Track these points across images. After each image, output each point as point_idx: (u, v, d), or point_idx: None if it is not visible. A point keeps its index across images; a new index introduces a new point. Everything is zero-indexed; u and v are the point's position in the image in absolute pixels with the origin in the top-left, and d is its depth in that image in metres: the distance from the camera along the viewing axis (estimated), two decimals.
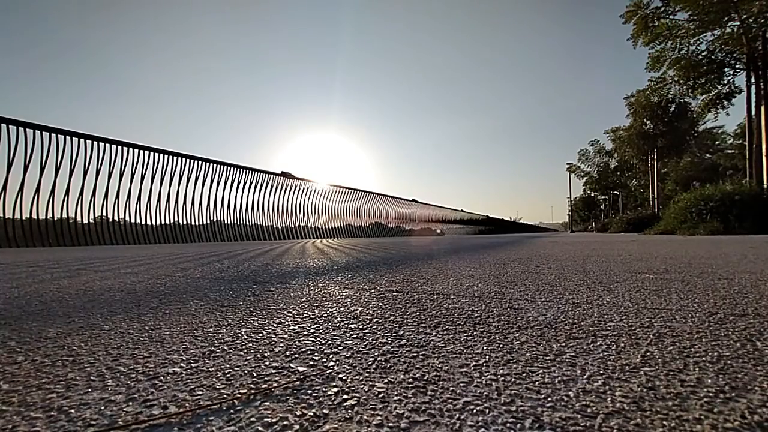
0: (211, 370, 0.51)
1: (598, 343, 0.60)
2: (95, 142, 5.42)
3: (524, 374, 0.48)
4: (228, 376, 0.48)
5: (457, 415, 0.37)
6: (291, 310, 0.89)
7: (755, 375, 0.47)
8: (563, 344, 0.60)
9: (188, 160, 6.72)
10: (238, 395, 0.42)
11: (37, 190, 4.90)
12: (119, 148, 5.70)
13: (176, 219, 6.64)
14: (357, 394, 0.43)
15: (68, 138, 5.12)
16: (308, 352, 0.58)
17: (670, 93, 17.84)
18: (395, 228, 13.96)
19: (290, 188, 9.28)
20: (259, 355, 0.56)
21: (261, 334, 0.68)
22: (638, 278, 1.37)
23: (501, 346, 0.60)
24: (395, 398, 0.41)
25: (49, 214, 5.02)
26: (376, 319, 0.79)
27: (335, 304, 0.95)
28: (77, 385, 0.46)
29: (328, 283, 1.35)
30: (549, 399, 0.41)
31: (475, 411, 0.38)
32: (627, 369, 0.49)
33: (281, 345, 0.62)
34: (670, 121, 20.04)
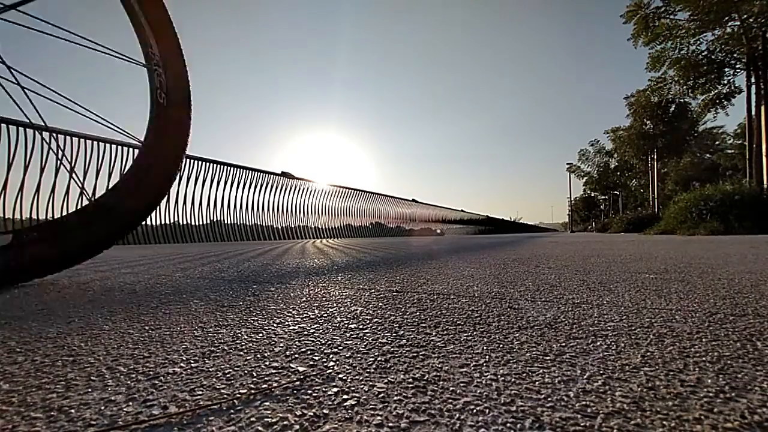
0: (211, 370, 0.51)
1: (598, 343, 0.60)
2: (95, 142, 5.43)
3: (524, 374, 0.48)
4: (228, 376, 0.48)
5: (457, 415, 0.37)
6: (291, 310, 0.89)
7: (755, 375, 0.47)
8: (563, 344, 0.60)
9: (188, 160, 6.73)
10: (238, 395, 0.43)
11: (37, 190, 4.90)
12: (119, 148, 5.71)
13: (176, 219, 6.65)
14: (357, 394, 0.43)
15: (68, 138, 5.13)
16: (308, 352, 0.58)
17: (670, 93, 17.85)
18: (395, 228, 13.96)
19: (290, 188, 9.28)
20: (259, 355, 0.56)
21: (261, 334, 0.68)
22: (638, 278, 1.37)
23: (501, 346, 0.60)
24: (395, 398, 0.41)
25: (49, 215, 5.03)
26: (376, 319, 0.79)
27: (335, 304, 0.95)
28: (77, 385, 0.46)
29: (328, 283, 1.35)
30: (549, 399, 0.41)
31: (475, 411, 0.38)
32: (627, 369, 0.49)
33: (281, 345, 0.62)
34: (670, 121, 20.03)
